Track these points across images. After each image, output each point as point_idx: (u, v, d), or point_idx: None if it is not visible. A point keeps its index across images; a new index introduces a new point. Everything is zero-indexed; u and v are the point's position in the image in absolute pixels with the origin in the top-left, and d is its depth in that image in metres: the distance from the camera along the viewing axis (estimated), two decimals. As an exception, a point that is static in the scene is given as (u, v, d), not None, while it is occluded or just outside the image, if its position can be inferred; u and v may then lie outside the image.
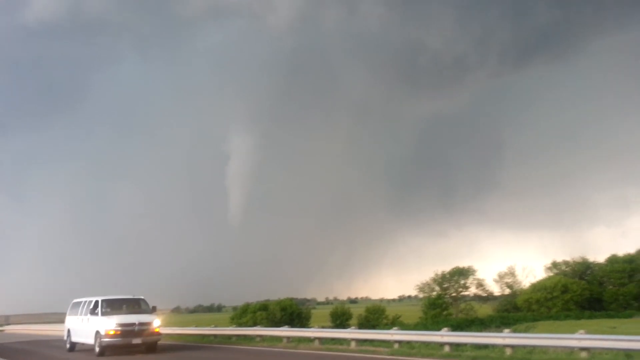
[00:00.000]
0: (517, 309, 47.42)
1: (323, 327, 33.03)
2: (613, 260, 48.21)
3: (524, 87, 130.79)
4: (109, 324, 19.10)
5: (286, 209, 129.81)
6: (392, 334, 18.33)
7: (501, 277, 54.12)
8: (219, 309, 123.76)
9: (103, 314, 19.82)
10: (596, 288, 47.18)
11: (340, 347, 19.14)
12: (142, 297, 21.34)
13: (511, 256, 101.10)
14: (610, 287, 47.16)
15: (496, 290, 54.81)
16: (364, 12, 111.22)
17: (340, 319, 47.59)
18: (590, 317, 39.46)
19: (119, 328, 18.95)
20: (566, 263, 51.33)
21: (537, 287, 48.00)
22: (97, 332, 19.43)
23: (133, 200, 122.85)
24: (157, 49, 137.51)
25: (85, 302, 21.63)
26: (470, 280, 54.06)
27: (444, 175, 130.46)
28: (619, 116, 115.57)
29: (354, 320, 46.38)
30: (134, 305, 20.90)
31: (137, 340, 19.25)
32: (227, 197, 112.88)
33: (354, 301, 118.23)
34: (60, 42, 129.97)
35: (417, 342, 17.42)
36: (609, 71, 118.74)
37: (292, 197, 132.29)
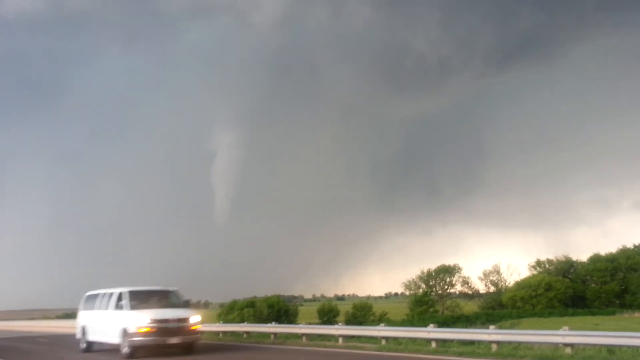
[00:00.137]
0: (502, 306, 48.04)
1: (310, 323, 33.14)
2: (595, 259, 49.08)
3: (507, 89, 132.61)
4: (142, 320, 15.90)
5: (273, 207, 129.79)
6: (379, 330, 18.43)
7: (486, 275, 54.87)
8: (206, 305, 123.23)
9: (132, 307, 16.63)
10: (579, 286, 48.00)
11: (328, 343, 19.21)
12: (175, 289, 18.35)
13: (496, 254, 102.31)
14: (593, 285, 48.04)
15: (481, 287, 55.60)
16: (350, 13, 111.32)
17: (328, 315, 47.83)
18: (573, 315, 40.12)
19: (154, 325, 15.81)
20: (550, 262, 52.20)
21: (521, 285, 48.70)
22: (125, 330, 16.19)
23: (117, 197, 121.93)
24: (141, 45, 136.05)
25: (105, 294, 18.54)
26: (455, 278, 54.77)
27: (429, 175, 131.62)
28: (600, 119, 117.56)
29: (341, 317, 46.64)
30: (165, 298, 17.82)
31: (174, 340, 16.09)
32: (213, 195, 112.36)
33: (341, 298, 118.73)
34: (42, 36, 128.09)
35: (404, 338, 17.53)
36: (591, 75, 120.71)
37: (279, 196, 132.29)
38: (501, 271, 54.37)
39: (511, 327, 29.26)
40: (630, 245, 49.18)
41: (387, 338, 17.67)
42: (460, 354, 14.36)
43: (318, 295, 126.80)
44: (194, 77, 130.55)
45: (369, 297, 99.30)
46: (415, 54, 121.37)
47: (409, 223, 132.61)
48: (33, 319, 60.41)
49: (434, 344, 15.90)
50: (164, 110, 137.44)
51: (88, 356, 18.43)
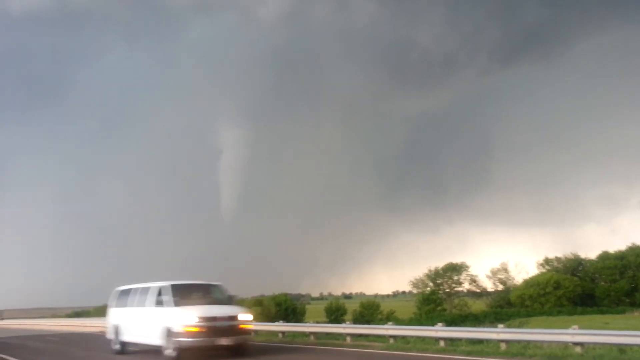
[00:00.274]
0: (511, 304, 47.83)
1: (318, 322, 33.18)
2: (604, 257, 48.68)
3: (513, 85, 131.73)
4: (189, 318, 14.10)
5: (278, 205, 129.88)
6: (387, 328, 18.45)
7: (494, 273, 54.64)
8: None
9: (176, 304, 14.79)
10: (588, 284, 47.66)
11: (336, 342, 19.23)
12: (219, 283, 16.69)
13: (503, 252, 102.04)
14: (602, 283, 47.67)
15: (489, 286, 55.34)
16: (354, 8, 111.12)
17: (335, 314, 47.82)
18: (583, 313, 39.85)
19: (203, 324, 14.03)
20: (558, 259, 51.83)
21: (529, 283, 48.45)
22: (168, 330, 14.41)
23: (122, 195, 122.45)
24: (145, 42, 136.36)
25: (140, 289, 16.79)
26: (463, 276, 54.54)
27: (434, 172, 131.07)
28: (606, 115, 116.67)
29: (348, 316, 46.63)
30: (209, 293, 16.11)
31: (225, 341, 14.25)
32: (218, 193, 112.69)
33: (348, 297, 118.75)
34: (45, 33, 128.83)
35: (412, 337, 17.54)
36: (596, 70, 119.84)
37: (284, 193, 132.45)
38: (509, 269, 54.15)
39: (520, 325, 29.15)
40: (639, 242, 48.78)
41: (395, 337, 17.66)
42: (469, 353, 14.32)
43: (325, 293, 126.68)
44: (199, 74, 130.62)
45: (376, 296, 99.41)
46: (419, 49, 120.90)
47: (414, 221, 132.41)
48: (43, 317, 60.83)
49: (442, 343, 15.88)
50: (169, 108, 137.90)
51: (123, 359, 16.96)
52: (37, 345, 24.54)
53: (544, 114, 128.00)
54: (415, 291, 56.77)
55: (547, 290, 45.47)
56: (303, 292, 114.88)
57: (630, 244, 48.85)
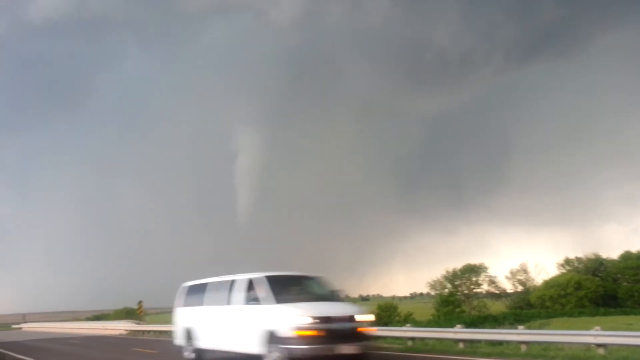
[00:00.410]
0: (531, 306, 47.17)
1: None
2: (626, 256, 47.75)
3: (531, 83, 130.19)
4: (300, 319, 10.92)
5: (295, 207, 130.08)
6: (405, 330, 18.34)
7: (513, 274, 53.95)
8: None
9: (278, 300, 11.61)
10: (610, 285, 46.77)
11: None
12: (319, 275, 13.36)
13: (522, 253, 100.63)
14: (625, 283, 46.74)
15: (508, 287, 54.66)
16: (368, 7, 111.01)
17: (353, 316, 47.54)
18: (605, 314, 39.11)
19: (320, 326, 10.85)
20: (579, 260, 50.99)
21: (550, 284, 47.74)
22: (271, 334, 11.32)
23: (141, 198, 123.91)
24: (162, 46, 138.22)
25: (220, 283, 13.74)
26: (482, 278, 53.97)
27: (452, 172, 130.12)
28: (627, 113, 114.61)
29: (366, 318, 46.30)
30: (311, 287, 12.95)
31: (347, 349, 10.98)
32: (235, 195, 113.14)
33: (365, 298, 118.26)
34: (65, 39, 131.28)
35: (430, 339, 17.42)
36: (616, 67, 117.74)
37: (300, 195, 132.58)
38: (528, 270, 53.44)
39: (540, 327, 28.73)
40: (663, 242, 47.75)
41: (413, 339, 17.54)
42: (489, 355, 14.16)
43: (342, 295, 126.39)
44: (214, 77, 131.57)
45: (393, 297, 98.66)
46: (435, 48, 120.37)
47: (432, 221, 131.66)
48: (64, 320, 61.74)
49: (461, 345, 15.72)
50: (186, 112, 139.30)
51: None
52: (59, 348, 24.94)
53: (563, 112, 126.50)
54: (433, 293, 56.35)
55: (568, 291, 44.74)
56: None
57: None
